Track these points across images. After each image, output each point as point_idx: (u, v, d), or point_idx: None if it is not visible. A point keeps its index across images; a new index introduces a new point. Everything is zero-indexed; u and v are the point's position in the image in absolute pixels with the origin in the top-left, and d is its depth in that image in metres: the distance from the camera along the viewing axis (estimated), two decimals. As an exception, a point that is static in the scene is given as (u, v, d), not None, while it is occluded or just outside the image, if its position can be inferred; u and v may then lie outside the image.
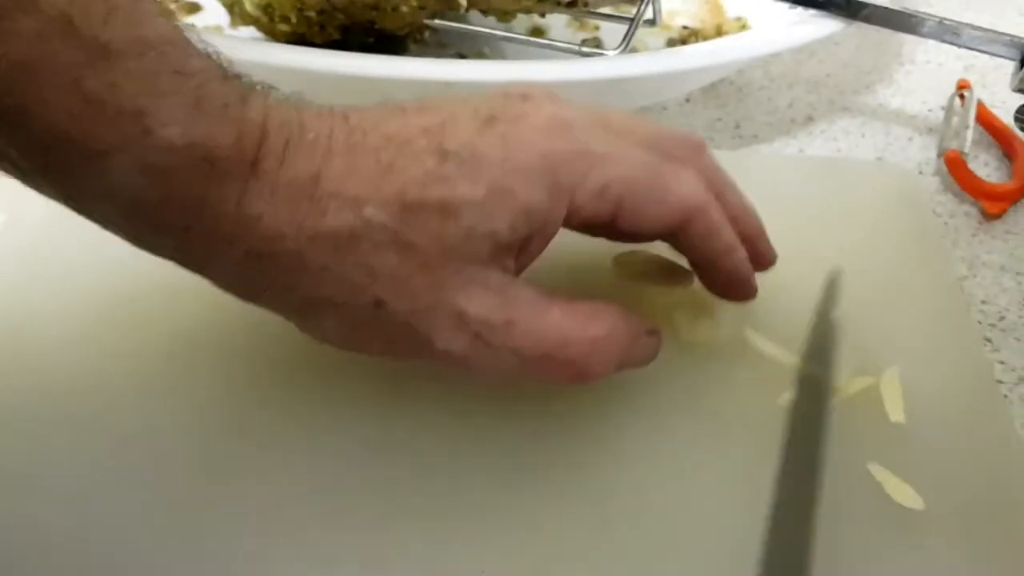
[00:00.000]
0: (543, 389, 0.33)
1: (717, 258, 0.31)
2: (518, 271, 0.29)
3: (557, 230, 0.29)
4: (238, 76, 0.27)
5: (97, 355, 0.35)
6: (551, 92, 0.30)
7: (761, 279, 0.37)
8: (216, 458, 0.32)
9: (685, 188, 0.30)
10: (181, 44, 0.25)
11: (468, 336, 0.28)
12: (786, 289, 0.38)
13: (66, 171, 0.25)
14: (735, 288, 0.33)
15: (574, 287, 0.31)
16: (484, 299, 0.28)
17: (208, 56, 0.26)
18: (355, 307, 0.28)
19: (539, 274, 0.30)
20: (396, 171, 0.27)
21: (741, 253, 0.32)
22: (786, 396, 0.33)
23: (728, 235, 0.31)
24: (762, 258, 0.34)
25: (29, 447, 0.32)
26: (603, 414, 0.34)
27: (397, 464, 0.32)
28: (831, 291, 0.34)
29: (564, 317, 0.29)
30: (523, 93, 0.29)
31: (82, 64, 0.23)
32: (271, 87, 0.28)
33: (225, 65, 0.27)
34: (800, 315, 0.37)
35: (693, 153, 0.31)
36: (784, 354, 0.36)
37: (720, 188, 0.32)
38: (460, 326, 0.28)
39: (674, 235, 0.31)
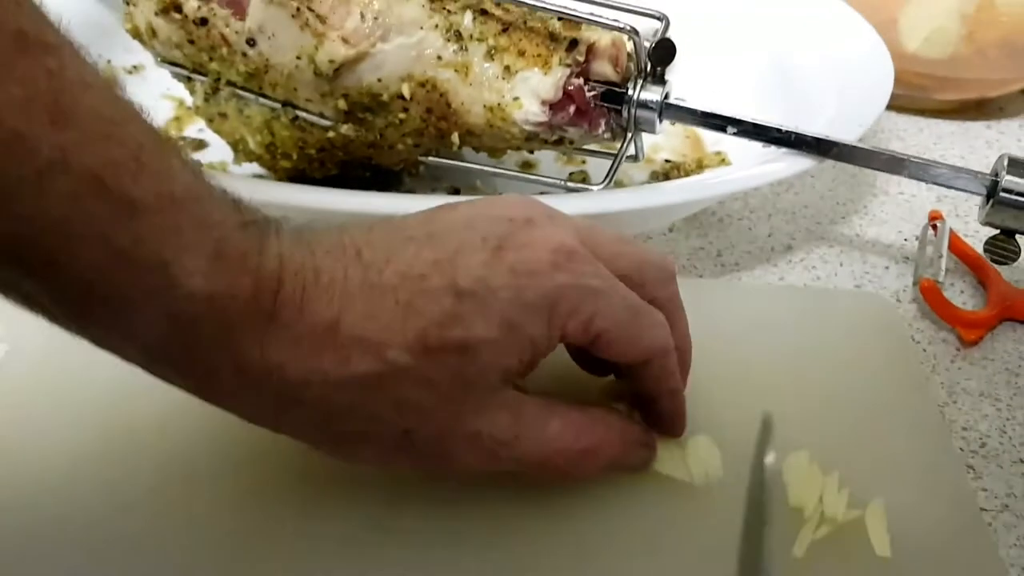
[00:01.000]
0: (526, 515, 0.34)
1: (661, 397, 0.34)
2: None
3: (551, 351, 0.31)
4: (254, 220, 0.28)
5: (87, 486, 0.35)
6: (551, 212, 0.32)
7: (748, 405, 0.38)
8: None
9: (654, 335, 0.32)
10: (204, 197, 0.27)
11: (483, 452, 0.31)
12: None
13: (94, 318, 0.26)
14: (667, 426, 0.36)
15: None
16: (497, 419, 0.30)
17: (229, 204, 0.28)
18: (384, 437, 0.30)
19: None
20: (415, 312, 0.29)
21: (681, 397, 0.35)
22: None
23: (676, 380, 0.34)
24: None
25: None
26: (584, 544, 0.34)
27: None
28: (765, 436, 0.36)
29: (562, 428, 0.32)
30: (527, 218, 0.31)
31: (111, 220, 0.24)
32: (284, 222, 0.29)
33: (243, 209, 0.28)
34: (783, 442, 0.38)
35: (665, 282, 0.34)
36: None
37: (675, 318, 0.34)
38: (476, 445, 0.30)
39: (632, 369, 0.33)
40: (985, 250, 0.44)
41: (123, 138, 0.25)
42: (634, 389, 0.35)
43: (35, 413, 0.38)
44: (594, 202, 0.43)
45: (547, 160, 0.57)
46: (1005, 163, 0.43)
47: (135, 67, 0.59)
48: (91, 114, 0.24)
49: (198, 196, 0.27)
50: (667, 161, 0.58)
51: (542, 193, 0.45)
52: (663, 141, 0.60)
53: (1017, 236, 0.44)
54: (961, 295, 0.49)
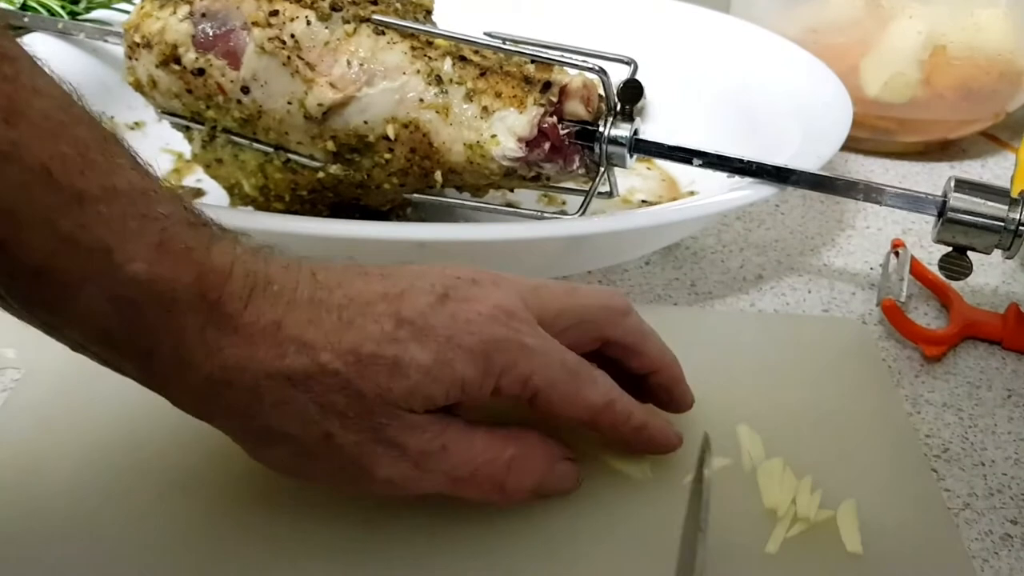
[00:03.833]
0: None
1: (628, 438, 0.36)
2: None
3: (483, 402, 0.33)
4: (206, 223, 0.30)
5: (99, 497, 0.37)
6: (498, 278, 0.34)
7: (723, 419, 0.40)
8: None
9: (593, 394, 0.34)
10: (150, 193, 0.29)
11: (407, 464, 0.32)
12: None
13: (42, 299, 0.28)
14: (651, 451, 0.37)
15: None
16: (421, 433, 0.32)
17: (178, 204, 0.30)
18: (306, 439, 0.31)
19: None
20: (355, 328, 0.30)
21: (651, 427, 0.36)
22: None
23: (635, 419, 0.35)
24: (680, 403, 0.38)
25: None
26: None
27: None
28: (705, 455, 0.38)
29: (485, 440, 0.33)
30: (473, 278, 0.33)
31: (58, 208, 0.27)
32: (243, 237, 0.31)
33: (195, 214, 0.30)
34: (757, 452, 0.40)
35: (616, 321, 0.36)
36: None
37: (640, 348, 0.36)
38: (400, 456, 0.31)
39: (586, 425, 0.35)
40: (940, 267, 0.47)
41: (71, 137, 0.27)
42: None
43: (48, 434, 0.40)
44: (567, 227, 0.45)
45: (529, 201, 0.59)
46: (952, 184, 0.46)
47: (136, 123, 0.62)
48: (41, 115, 0.27)
49: (144, 191, 0.29)
50: (644, 201, 0.60)
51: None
52: (640, 184, 0.63)
53: (969, 253, 0.46)
54: (925, 317, 0.51)
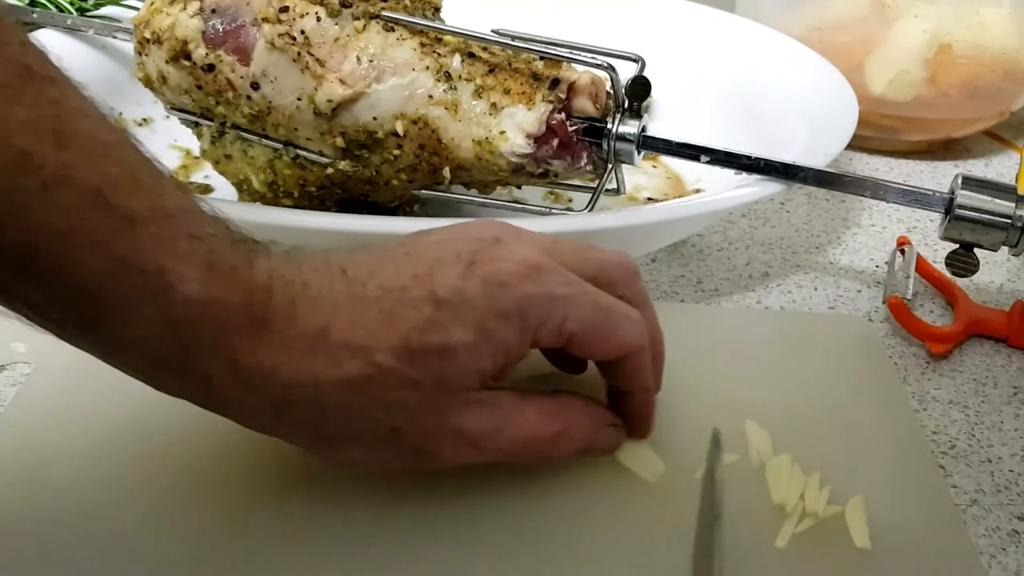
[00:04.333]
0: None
1: (636, 392, 0.37)
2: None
3: (524, 357, 0.34)
4: (244, 239, 0.31)
5: (107, 492, 0.37)
6: (518, 232, 0.35)
7: (731, 416, 0.40)
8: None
9: (627, 332, 0.35)
10: (195, 212, 0.30)
11: (467, 446, 0.33)
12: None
13: (98, 324, 0.28)
14: (636, 425, 0.38)
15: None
16: (478, 415, 0.33)
17: (220, 223, 0.30)
18: (374, 437, 0.32)
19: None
20: (398, 319, 0.31)
21: (652, 396, 0.37)
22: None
23: (650, 377, 0.36)
24: (658, 380, 0.38)
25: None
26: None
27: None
28: (715, 449, 0.39)
29: (536, 415, 0.34)
30: (495, 237, 0.34)
31: (111, 230, 0.27)
32: (273, 244, 0.32)
33: (233, 229, 0.31)
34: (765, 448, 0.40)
35: (630, 280, 0.37)
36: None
37: (643, 311, 0.37)
38: (460, 440, 0.33)
39: (608, 366, 0.36)
40: (946, 264, 0.47)
41: (119, 158, 0.28)
42: (610, 385, 0.37)
43: (59, 428, 0.40)
44: (575, 222, 0.45)
45: (535, 200, 0.60)
46: (959, 181, 0.46)
47: (145, 120, 0.62)
48: (89, 137, 0.27)
49: (190, 211, 0.29)
50: (649, 199, 0.61)
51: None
52: (646, 182, 0.63)
53: (975, 250, 0.46)
54: (931, 314, 0.52)
